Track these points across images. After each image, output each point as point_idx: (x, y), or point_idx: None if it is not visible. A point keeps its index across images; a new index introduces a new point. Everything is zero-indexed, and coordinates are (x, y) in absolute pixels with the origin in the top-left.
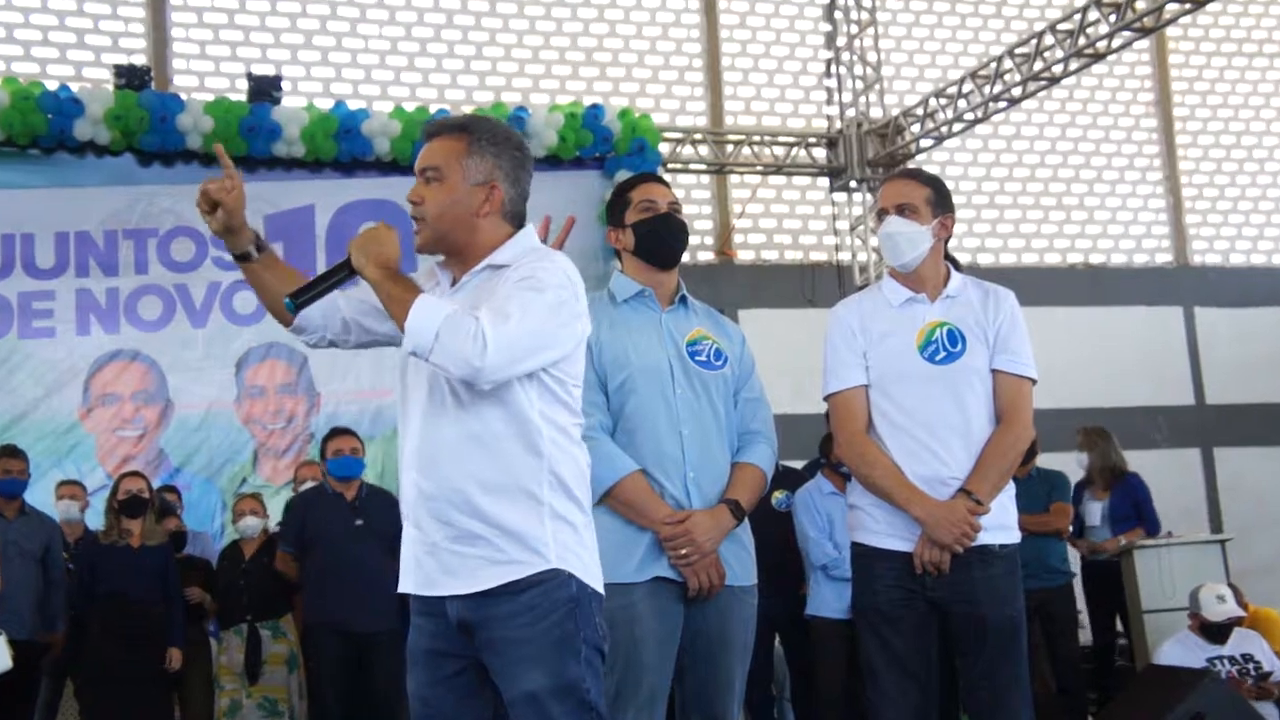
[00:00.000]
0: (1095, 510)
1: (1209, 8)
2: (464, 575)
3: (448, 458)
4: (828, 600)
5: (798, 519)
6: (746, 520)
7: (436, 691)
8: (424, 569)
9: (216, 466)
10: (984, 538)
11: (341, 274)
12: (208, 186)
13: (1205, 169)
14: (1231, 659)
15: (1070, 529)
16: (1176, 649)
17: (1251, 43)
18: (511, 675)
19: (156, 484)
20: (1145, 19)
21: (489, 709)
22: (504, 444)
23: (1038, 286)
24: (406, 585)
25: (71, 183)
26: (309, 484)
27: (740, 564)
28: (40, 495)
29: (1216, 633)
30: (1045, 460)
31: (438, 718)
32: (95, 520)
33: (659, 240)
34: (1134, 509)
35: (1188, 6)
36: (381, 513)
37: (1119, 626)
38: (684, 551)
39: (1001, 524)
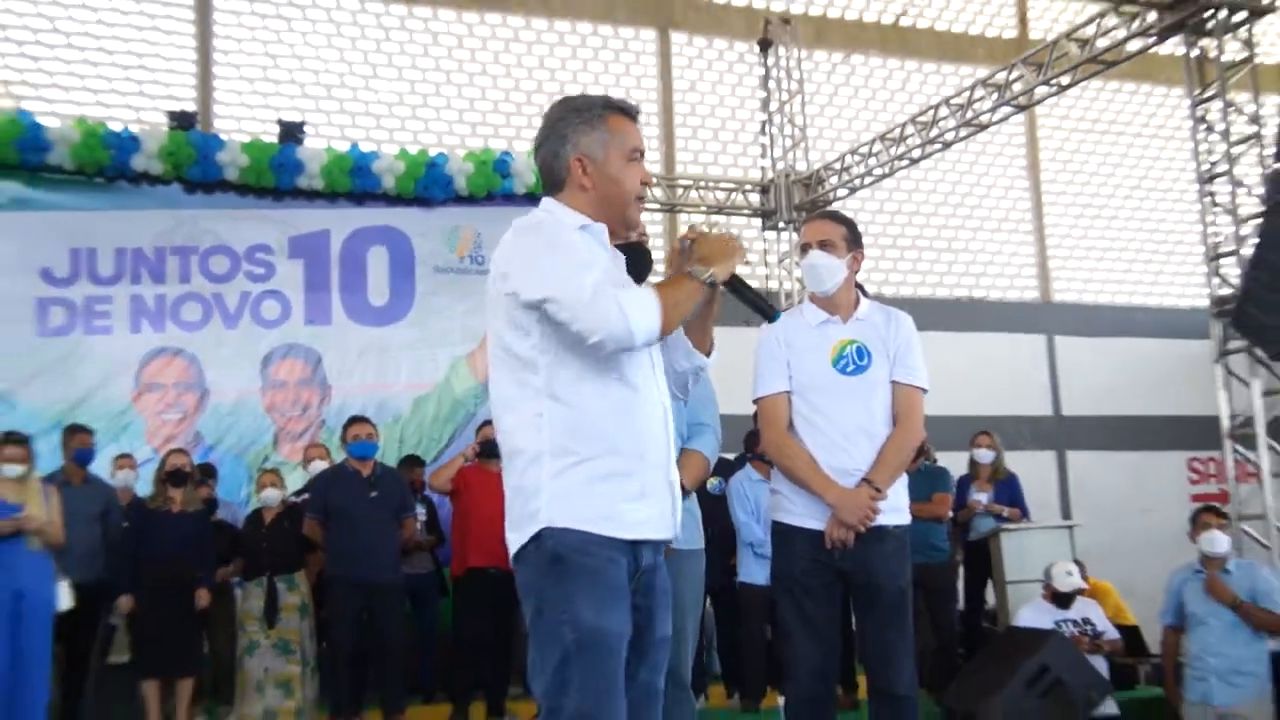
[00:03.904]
0: (980, 500)
1: (1070, 92)
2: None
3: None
4: (755, 571)
5: (731, 503)
6: (695, 493)
7: (629, 624)
8: (676, 517)
9: (244, 446)
10: (882, 519)
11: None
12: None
13: (1065, 223)
14: (1074, 622)
15: (950, 515)
16: (1031, 613)
17: (1103, 122)
18: (664, 616)
19: (195, 461)
20: (1020, 98)
21: None
22: None
23: (927, 314)
24: (663, 532)
25: (128, 206)
26: (316, 463)
27: (688, 531)
28: (98, 466)
29: (1064, 600)
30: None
31: (625, 647)
32: (143, 488)
33: (634, 264)
34: (1011, 501)
35: (1054, 90)
36: (391, 487)
37: (989, 595)
38: None
39: (896, 508)
